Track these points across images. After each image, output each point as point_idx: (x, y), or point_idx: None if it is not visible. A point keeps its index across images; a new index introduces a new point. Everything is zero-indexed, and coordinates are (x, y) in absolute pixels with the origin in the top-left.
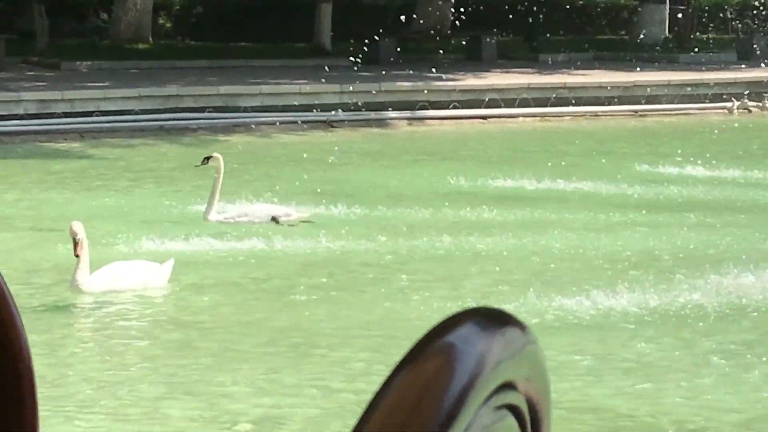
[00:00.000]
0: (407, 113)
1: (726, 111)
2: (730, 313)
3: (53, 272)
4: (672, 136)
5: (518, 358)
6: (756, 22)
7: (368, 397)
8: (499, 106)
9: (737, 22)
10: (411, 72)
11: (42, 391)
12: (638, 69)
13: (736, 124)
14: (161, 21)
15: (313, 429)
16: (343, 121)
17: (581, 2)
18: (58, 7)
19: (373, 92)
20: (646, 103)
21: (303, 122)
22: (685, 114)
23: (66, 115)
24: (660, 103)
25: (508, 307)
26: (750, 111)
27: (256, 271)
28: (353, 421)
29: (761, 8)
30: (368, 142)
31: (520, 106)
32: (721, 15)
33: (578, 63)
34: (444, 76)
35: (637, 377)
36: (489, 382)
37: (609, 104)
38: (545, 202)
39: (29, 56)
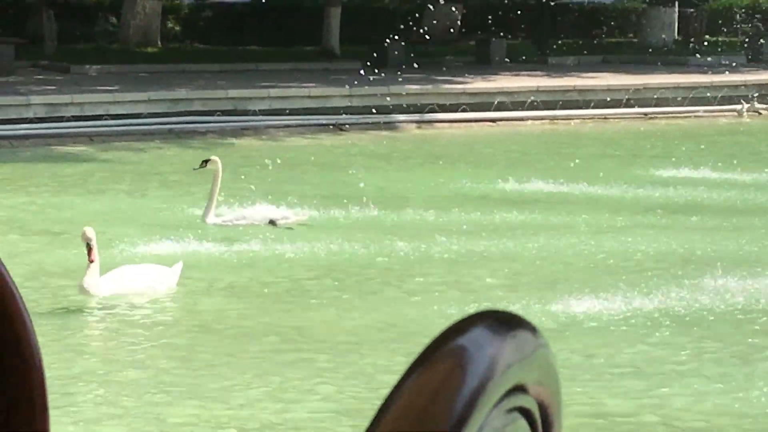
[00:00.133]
0: (416, 116)
1: (735, 113)
2: (742, 317)
3: (62, 275)
4: (681, 138)
5: (529, 361)
6: (765, 25)
7: (378, 400)
8: (508, 109)
9: (747, 24)
10: (420, 75)
11: (51, 393)
12: (647, 72)
13: (744, 127)
14: (170, 25)
15: None
16: (351, 124)
17: (590, 5)
18: (67, 11)
19: (382, 95)
20: (655, 105)
21: (312, 125)
22: (695, 117)
23: (75, 118)
24: (669, 105)
25: (518, 310)
26: (759, 113)
27: (264, 274)
28: (363, 425)
29: None
30: (377, 145)
31: (529, 109)
32: (731, 18)
33: (587, 66)
34: (453, 79)
35: (645, 380)
36: (500, 385)
37: (618, 107)
38: (554, 205)
39: (39, 60)
